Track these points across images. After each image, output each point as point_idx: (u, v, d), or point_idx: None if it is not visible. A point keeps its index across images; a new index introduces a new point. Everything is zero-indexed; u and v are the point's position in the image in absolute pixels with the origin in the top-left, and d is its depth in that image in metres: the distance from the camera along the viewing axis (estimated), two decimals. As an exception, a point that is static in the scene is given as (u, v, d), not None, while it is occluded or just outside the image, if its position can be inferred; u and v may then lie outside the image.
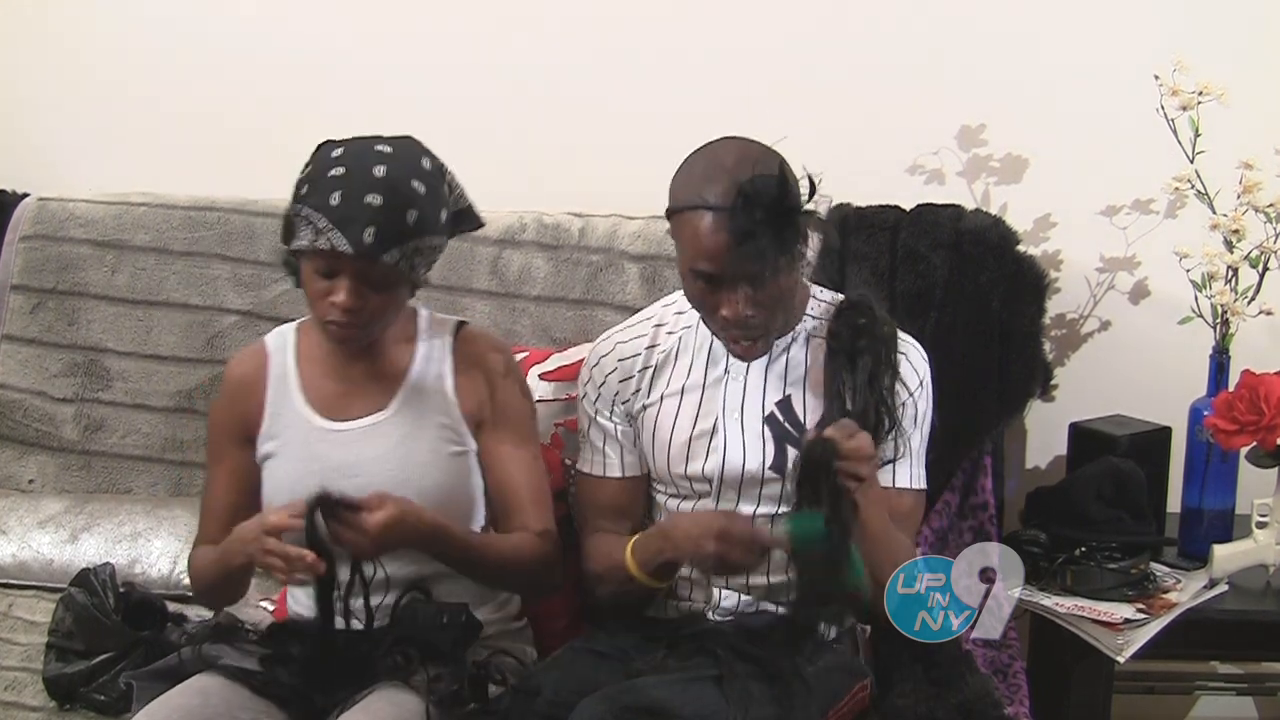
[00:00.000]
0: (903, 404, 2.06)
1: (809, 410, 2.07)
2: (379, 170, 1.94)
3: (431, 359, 2.12)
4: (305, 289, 2.02)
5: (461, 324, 2.17)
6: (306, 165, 2.00)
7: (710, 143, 1.97)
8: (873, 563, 1.92)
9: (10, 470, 2.74)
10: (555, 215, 2.69)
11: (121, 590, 2.25)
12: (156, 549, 2.53)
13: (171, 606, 2.33)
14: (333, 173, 1.94)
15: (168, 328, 2.71)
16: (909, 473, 2.09)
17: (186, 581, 2.50)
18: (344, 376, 2.11)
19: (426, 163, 2.00)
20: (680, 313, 2.14)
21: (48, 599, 2.39)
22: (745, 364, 2.09)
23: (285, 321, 2.62)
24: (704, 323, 2.06)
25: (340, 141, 2.00)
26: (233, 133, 2.88)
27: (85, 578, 2.24)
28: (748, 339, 2.01)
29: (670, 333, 2.15)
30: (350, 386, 2.11)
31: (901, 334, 2.10)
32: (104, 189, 2.80)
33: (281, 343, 2.17)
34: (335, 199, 1.92)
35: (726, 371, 2.10)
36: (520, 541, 2.10)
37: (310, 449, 2.08)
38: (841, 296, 2.14)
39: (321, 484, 1.93)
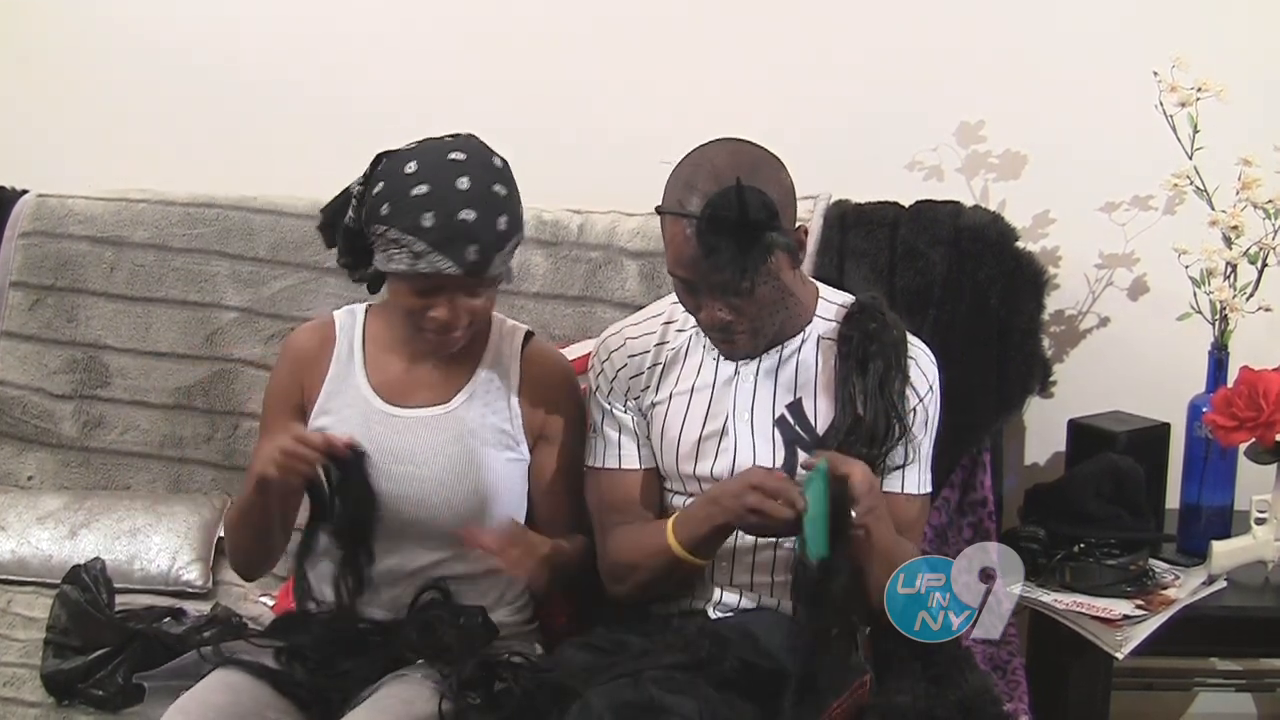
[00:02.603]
0: (912, 409, 2.06)
1: (819, 414, 2.07)
2: (463, 183, 1.92)
3: (500, 365, 2.14)
4: (398, 301, 2.01)
5: (529, 335, 2.19)
6: (375, 181, 1.97)
7: (706, 144, 1.97)
8: (879, 574, 1.93)
9: (9, 466, 2.74)
10: (554, 212, 2.68)
11: (119, 604, 2.25)
12: (155, 545, 2.53)
13: (170, 602, 2.35)
14: (416, 191, 1.91)
15: (167, 324, 2.71)
16: (916, 478, 2.09)
17: (186, 577, 2.51)
18: (410, 364, 2.12)
19: (498, 161, 1.99)
20: None
21: (46, 595, 2.39)
22: (756, 365, 2.09)
23: (284, 318, 2.65)
24: None
25: (407, 152, 1.98)
26: (232, 130, 2.87)
27: (76, 574, 2.25)
28: (728, 343, 2.02)
29: (680, 330, 2.15)
30: (415, 375, 2.12)
31: (911, 337, 2.10)
32: (103, 185, 2.79)
33: (350, 321, 2.17)
34: (428, 220, 1.90)
35: (737, 373, 2.10)
36: (587, 546, 2.17)
37: (368, 429, 2.08)
38: (852, 298, 2.13)
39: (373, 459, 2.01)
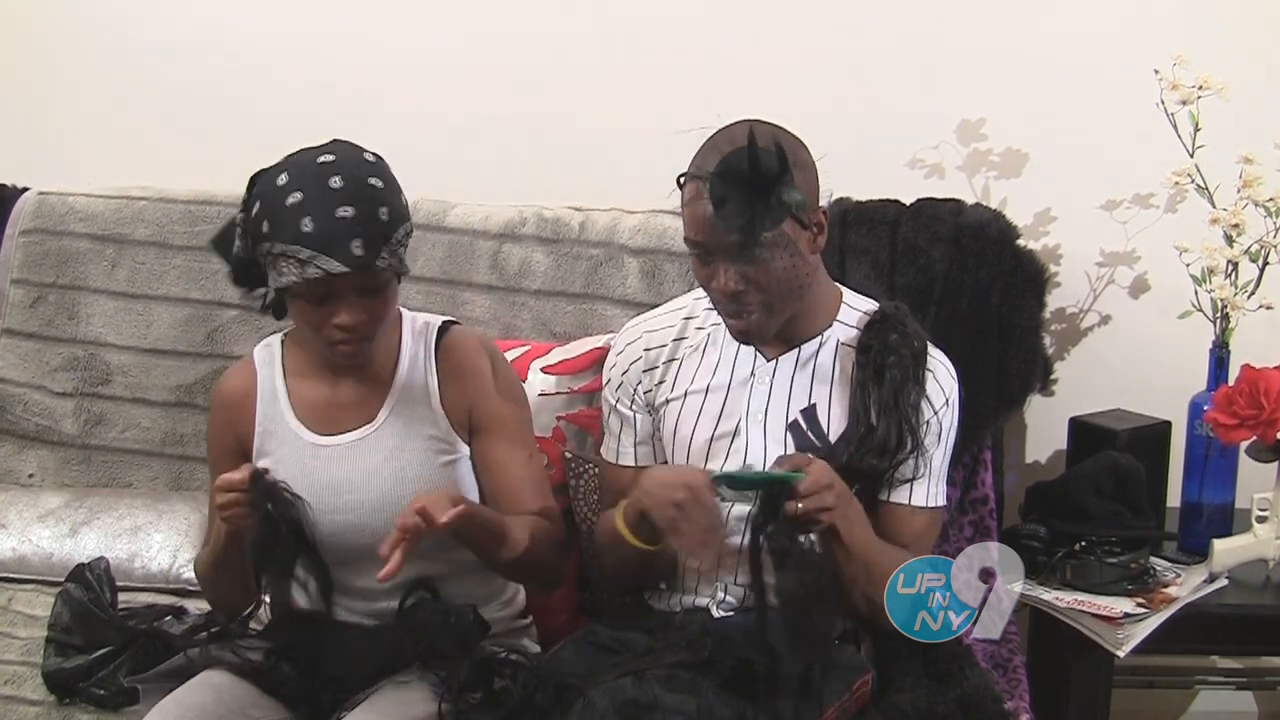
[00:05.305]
0: (926, 422, 2.04)
1: (833, 420, 2.07)
2: (335, 182, 1.89)
3: (416, 367, 2.10)
4: (299, 320, 1.98)
5: (445, 326, 2.14)
6: (253, 203, 1.94)
7: (735, 121, 1.97)
8: (864, 582, 1.94)
9: (10, 464, 2.75)
10: (555, 209, 2.68)
11: (121, 602, 2.25)
12: (156, 543, 2.53)
13: (170, 600, 2.35)
14: (291, 201, 1.89)
15: (168, 322, 2.71)
16: (926, 491, 2.07)
17: (187, 575, 2.51)
18: (332, 388, 2.09)
19: (369, 156, 1.96)
20: (710, 307, 2.09)
21: (47, 593, 2.39)
22: (772, 366, 2.08)
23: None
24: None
25: (277, 167, 1.95)
26: (232, 127, 2.88)
27: (80, 573, 2.25)
28: (739, 317, 2.00)
29: (699, 327, 2.14)
30: (338, 398, 2.09)
31: (933, 349, 2.09)
32: (104, 183, 2.79)
33: (269, 357, 2.14)
34: (307, 225, 1.87)
35: (753, 374, 2.09)
36: (533, 524, 2.08)
37: (302, 465, 2.06)
38: (875, 305, 2.13)
39: (310, 502, 2.00)
